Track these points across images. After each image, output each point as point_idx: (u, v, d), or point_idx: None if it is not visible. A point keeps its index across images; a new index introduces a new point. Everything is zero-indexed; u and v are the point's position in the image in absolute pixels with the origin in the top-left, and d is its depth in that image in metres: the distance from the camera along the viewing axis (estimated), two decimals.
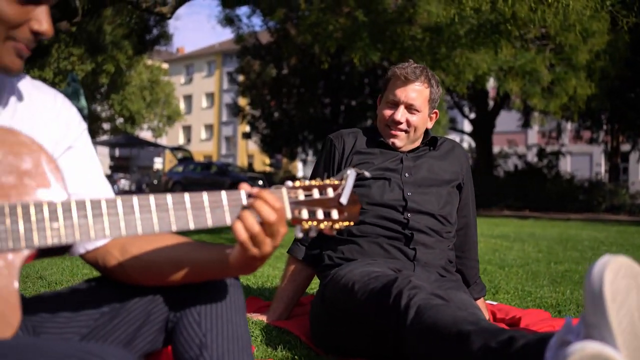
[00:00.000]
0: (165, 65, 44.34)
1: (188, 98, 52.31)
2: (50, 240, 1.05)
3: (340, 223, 1.37)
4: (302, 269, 2.67)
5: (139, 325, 1.32)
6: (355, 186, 2.60)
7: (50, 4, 1.18)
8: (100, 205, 1.11)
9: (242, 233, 1.20)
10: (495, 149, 26.62)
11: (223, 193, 1.25)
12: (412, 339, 1.70)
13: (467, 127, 30.08)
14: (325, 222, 1.34)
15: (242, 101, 31.16)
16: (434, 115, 2.62)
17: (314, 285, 3.21)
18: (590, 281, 1.24)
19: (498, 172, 25.47)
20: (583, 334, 1.27)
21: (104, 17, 16.03)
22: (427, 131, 2.65)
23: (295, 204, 1.33)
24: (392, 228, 2.42)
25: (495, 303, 3.38)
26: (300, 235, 1.33)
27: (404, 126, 2.50)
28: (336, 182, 1.39)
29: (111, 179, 35.24)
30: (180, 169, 30.25)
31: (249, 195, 1.26)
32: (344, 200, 1.37)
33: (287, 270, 2.73)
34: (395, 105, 2.50)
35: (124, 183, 34.39)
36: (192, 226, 1.20)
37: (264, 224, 1.21)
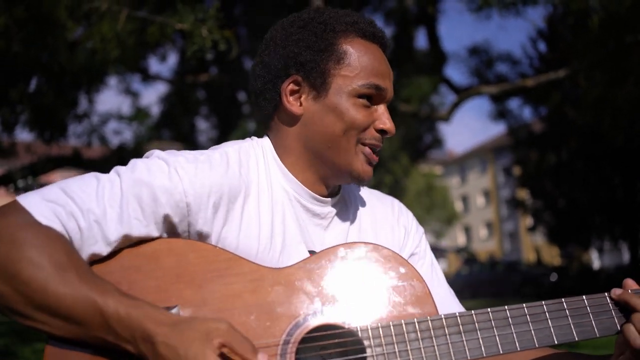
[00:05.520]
0: (438, 169, 45.49)
1: (465, 198, 52.36)
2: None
3: None
4: None
5: None
6: None
7: (389, 101, 1.20)
8: (473, 320, 1.00)
9: (637, 339, 0.98)
10: None
11: (604, 298, 1.05)
12: None
13: None
14: None
15: (521, 193, 29.94)
16: None
17: None
18: None
19: None
20: None
21: None
22: None
23: None
24: None
25: None
26: None
27: None
28: None
29: None
30: (466, 270, 29.82)
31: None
32: None
33: None
34: None
35: None
36: (576, 337, 1.02)
37: None
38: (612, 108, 9.36)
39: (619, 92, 9.21)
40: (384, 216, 1.31)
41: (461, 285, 28.75)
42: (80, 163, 10.08)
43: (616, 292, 1.05)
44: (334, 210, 1.23)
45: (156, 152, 1.10)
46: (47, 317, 0.91)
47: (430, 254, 1.34)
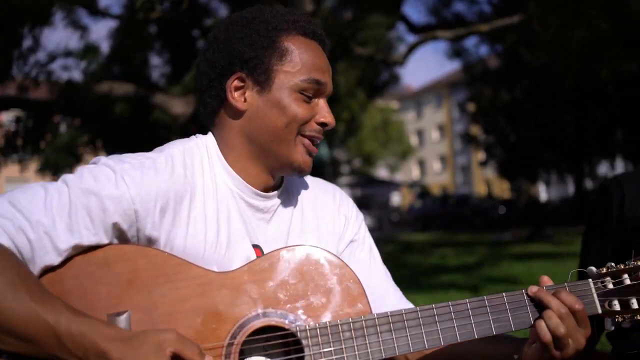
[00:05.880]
0: (395, 104, 45.70)
1: (420, 133, 53.02)
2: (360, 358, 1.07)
3: None
4: None
5: None
6: None
7: (328, 95, 1.25)
8: (402, 318, 1.10)
9: (545, 334, 1.10)
10: None
11: (521, 294, 1.17)
12: None
13: None
14: None
15: (474, 130, 30.52)
16: None
17: None
18: None
19: None
20: None
21: (338, 71, 17.12)
22: None
23: (605, 295, 1.19)
24: None
25: None
26: (611, 328, 1.19)
27: None
28: None
29: None
30: (419, 204, 30.56)
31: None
32: None
33: None
34: None
35: (366, 221, 35.87)
36: (495, 332, 1.13)
37: (567, 324, 1.10)
38: (565, 50, 9.55)
39: (571, 34, 9.38)
40: (326, 205, 1.38)
41: (414, 218, 29.60)
42: (26, 103, 9.72)
43: (532, 289, 1.16)
44: (276, 203, 1.29)
45: (102, 160, 1.13)
46: (1, 336, 0.96)
47: (369, 240, 1.43)
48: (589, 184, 31.47)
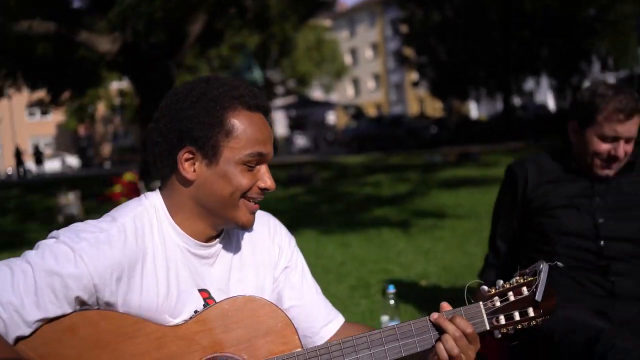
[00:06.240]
0: (328, 23, 45.06)
1: (353, 51, 52.79)
2: None
3: (537, 320, 1.47)
4: None
5: None
6: (541, 216, 2.58)
7: (270, 161, 1.43)
8: (328, 350, 1.33)
9: (443, 354, 1.37)
10: None
11: (426, 321, 1.41)
12: None
13: None
14: (523, 324, 1.46)
15: (407, 51, 30.75)
16: None
17: None
18: None
19: None
20: None
21: None
22: None
23: (493, 313, 1.45)
24: (585, 259, 2.40)
25: None
26: (498, 336, 1.46)
27: (621, 158, 2.40)
28: (530, 279, 1.48)
29: (290, 139, 37.29)
30: (354, 124, 30.94)
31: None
32: (539, 297, 1.46)
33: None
34: (614, 140, 2.37)
35: (301, 141, 36.35)
36: (404, 354, 1.39)
37: (460, 345, 1.37)
38: None
39: None
40: (261, 238, 1.58)
41: (349, 139, 30.03)
42: None
43: (434, 316, 1.42)
44: (219, 249, 1.48)
45: (61, 237, 1.27)
46: None
47: (301, 263, 1.64)
48: (516, 100, 32.63)
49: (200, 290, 1.42)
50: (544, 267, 1.47)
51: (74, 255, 1.24)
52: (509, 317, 1.46)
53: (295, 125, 42.95)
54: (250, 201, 1.41)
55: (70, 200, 8.91)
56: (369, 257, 5.12)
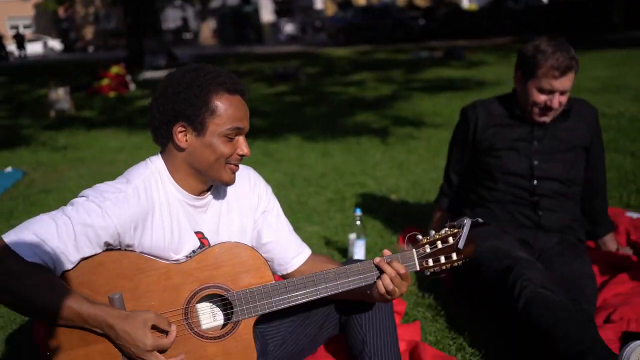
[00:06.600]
0: None
1: None
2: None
3: (459, 262, 1.90)
4: (446, 217, 3.22)
5: (322, 323, 2.04)
6: (487, 156, 2.99)
7: (246, 132, 1.79)
8: (294, 283, 1.77)
9: (381, 288, 1.81)
10: None
11: (370, 263, 1.84)
12: (521, 324, 2.25)
13: None
14: (447, 265, 1.89)
15: None
16: None
17: None
18: None
19: None
20: None
21: None
22: None
23: (423, 257, 1.88)
24: (520, 195, 2.83)
25: (636, 217, 3.64)
26: (427, 274, 1.90)
27: (556, 108, 2.75)
28: (455, 231, 1.90)
29: (277, 25, 36.56)
30: (341, 14, 30.28)
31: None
32: (461, 245, 1.89)
33: (434, 216, 3.30)
34: (550, 92, 2.70)
35: (288, 28, 35.79)
36: (351, 287, 1.83)
37: (395, 282, 1.80)
38: None
39: None
40: (243, 190, 1.97)
41: (336, 30, 29.51)
42: None
43: (376, 260, 1.84)
44: (210, 199, 1.87)
45: (90, 196, 1.66)
46: (50, 317, 1.58)
47: (276, 207, 2.04)
48: None
49: (196, 232, 1.83)
50: (467, 222, 1.88)
51: (102, 211, 1.63)
52: (436, 260, 1.89)
53: (282, 10, 41.84)
54: (231, 164, 1.79)
55: (60, 95, 9.08)
56: (348, 168, 5.45)
